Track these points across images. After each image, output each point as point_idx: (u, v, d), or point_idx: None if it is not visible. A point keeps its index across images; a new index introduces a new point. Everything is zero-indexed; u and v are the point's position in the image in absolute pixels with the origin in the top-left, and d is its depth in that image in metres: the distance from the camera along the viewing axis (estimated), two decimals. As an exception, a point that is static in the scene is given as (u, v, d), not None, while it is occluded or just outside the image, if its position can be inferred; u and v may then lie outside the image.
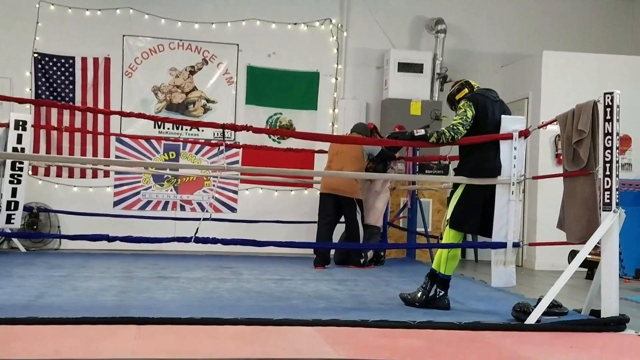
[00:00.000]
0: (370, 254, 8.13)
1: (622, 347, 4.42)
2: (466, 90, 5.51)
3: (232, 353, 3.81)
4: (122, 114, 5.73)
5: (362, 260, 7.95)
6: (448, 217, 5.39)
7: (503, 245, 5.20)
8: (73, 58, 9.27)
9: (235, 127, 5.54)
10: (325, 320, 4.62)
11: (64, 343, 3.84)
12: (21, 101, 5.65)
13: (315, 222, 8.07)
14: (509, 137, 5.20)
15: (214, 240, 5.14)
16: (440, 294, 5.35)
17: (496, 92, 5.54)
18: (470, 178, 5.25)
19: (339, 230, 8.19)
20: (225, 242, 5.22)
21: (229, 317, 4.55)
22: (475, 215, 5.28)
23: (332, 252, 8.33)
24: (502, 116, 5.29)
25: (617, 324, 4.80)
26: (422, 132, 5.29)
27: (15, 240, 8.66)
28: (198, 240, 5.09)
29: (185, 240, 5.14)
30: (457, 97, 5.54)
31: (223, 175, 8.82)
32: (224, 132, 5.32)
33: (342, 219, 8.01)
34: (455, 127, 5.20)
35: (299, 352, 3.90)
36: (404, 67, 9.70)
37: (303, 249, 8.85)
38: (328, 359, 3.77)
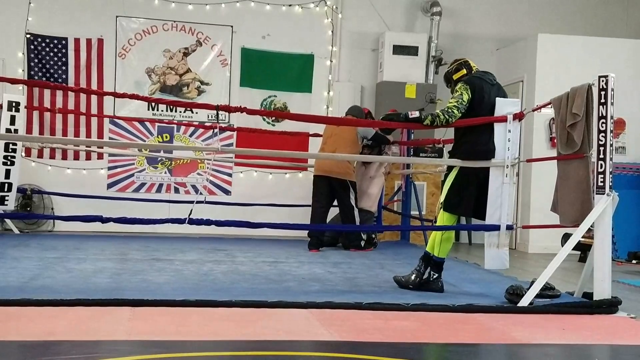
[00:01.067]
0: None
1: (614, 329, 4.45)
2: (464, 71, 5.48)
3: (227, 335, 3.82)
4: (115, 94, 5.72)
5: (362, 243, 7.96)
6: (442, 199, 5.40)
7: (496, 227, 5.20)
8: (66, 39, 9.20)
9: (229, 109, 5.52)
10: (320, 302, 4.63)
11: (57, 324, 3.84)
12: (14, 81, 5.62)
13: (309, 206, 8.08)
14: (503, 119, 5.19)
15: (208, 222, 5.12)
16: (434, 276, 5.36)
17: (494, 75, 5.53)
18: (464, 161, 5.25)
19: (333, 212, 8.20)
20: (219, 223, 5.20)
21: (223, 299, 4.57)
22: (468, 198, 5.29)
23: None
24: (497, 99, 5.27)
25: (610, 306, 4.83)
26: (416, 114, 5.27)
27: (8, 221, 8.65)
28: (192, 221, 5.07)
29: (180, 221, 5.12)
30: (454, 77, 5.52)
31: (217, 157, 8.80)
32: (217, 114, 5.30)
33: (336, 201, 8.01)
34: (450, 110, 5.19)
35: (293, 334, 3.92)
36: (399, 49, 9.66)
37: (297, 232, 8.85)
38: (322, 341, 3.79)
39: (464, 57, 5.73)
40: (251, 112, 5.64)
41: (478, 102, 5.25)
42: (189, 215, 5.08)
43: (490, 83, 5.38)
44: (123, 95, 5.53)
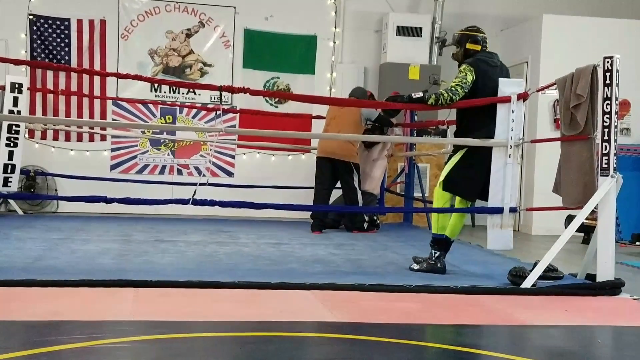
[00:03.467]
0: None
1: (617, 311, 4.46)
2: (478, 48, 5.38)
3: (230, 316, 3.84)
4: (118, 75, 5.71)
5: (365, 225, 7.96)
6: (442, 178, 5.39)
7: (500, 210, 5.19)
8: (68, 20, 9.16)
9: (232, 90, 5.50)
10: (323, 284, 4.64)
11: (62, 305, 3.86)
12: (17, 62, 5.60)
13: (312, 188, 8.08)
14: (507, 100, 5.16)
15: (212, 203, 5.12)
16: (436, 254, 5.36)
17: (498, 55, 5.49)
18: (469, 142, 5.23)
19: (336, 194, 8.20)
20: (222, 204, 5.20)
21: (226, 280, 4.58)
22: (471, 181, 5.28)
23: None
24: (500, 79, 5.23)
25: (613, 287, 4.84)
26: (420, 94, 5.25)
27: (12, 202, 8.67)
28: (196, 202, 5.08)
29: (183, 202, 5.13)
30: (467, 45, 5.42)
31: (220, 139, 8.79)
32: (220, 95, 5.28)
33: (339, 183, 8.01)
34: (454, 89, 5.17)
35: (296, 315, 3.93)
36: (402, 30, 9.61)
37: (300, 213, 8.86)
38: (325, 322, 3.80)
39: (485, 32, 5.54)
40: (254, 92, 5.63)
41: (481, 85, 5.22)
42: (193, 196, 5.09)
43: (494, 65, 5.35)
44: (126, 76, 5.52)
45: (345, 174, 7.83)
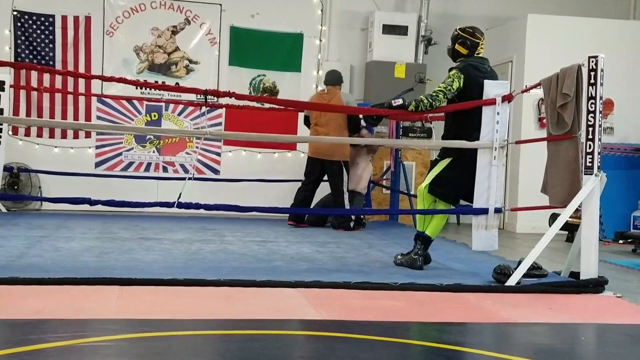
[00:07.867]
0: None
1: (601, 308, 4.50)
2: (465, 52, 5.40)
3: (215, 314, 3.83)
4: (102, 78, 5.67)
5: (351, 224, 7.96)
6: (427, 182, 5.41)
7: (485, 211, 5.22)
8: (53, 16, 9.08)
9: (217, 93, 5.42)
10: (308, 282, 4.65)
11: (46, 303, 3.84)
12: (0, 64, 5.55)
13: (298, 181, 8.08)
14: (492, 102, 5.18)
15: (197, 206, 5.10)
16: (419, 250, 5.42)
17: (488, 60, 5.50)
18: (460, 150, 5.26)
19: (323, 192, 8.21)
20: (208, 207, 5.20)
21: (212, 278, 4.57)
22: (458, 189, 5.33)
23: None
24: (485, 81, 5.24)
25: (596, 285, 4.88)
26: (399, 101, 5.24)
27: (-5, 200, 8.60)
28: (181, 205, 5.07)
29: (168, 205, 5.11)
30: (455, 46, 5.47)
31: (205, 137, 8.73)
32: (206, 98, 5.23)
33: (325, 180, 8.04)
34: (435, 95, 5.17)
35: (282, 313, 3.94)
36: (388, 29, 9.61)
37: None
38: (310, 320, 3.81)
39: (481, 32, 5.51)
40: (240, 97, 5.62)
41: (470, 93, 5.22)
42: (178, 199, 5.06)
43: (484, 71, 5.35)
44: (110, 79, 5.48)
45: (334, 176, 7.86)
